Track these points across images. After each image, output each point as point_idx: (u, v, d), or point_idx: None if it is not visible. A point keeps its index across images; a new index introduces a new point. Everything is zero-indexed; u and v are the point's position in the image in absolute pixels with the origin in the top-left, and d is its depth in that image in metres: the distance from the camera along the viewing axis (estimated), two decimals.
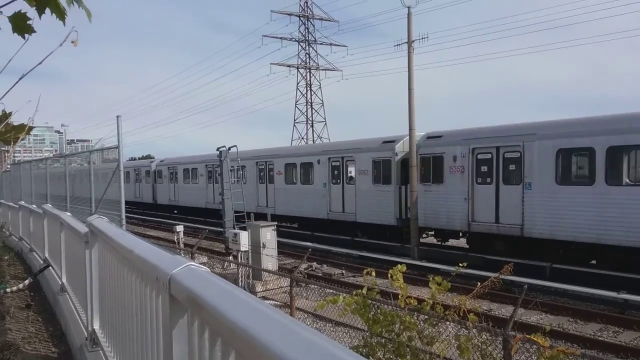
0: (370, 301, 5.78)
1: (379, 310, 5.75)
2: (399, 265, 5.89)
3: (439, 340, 5.44)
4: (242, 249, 14.72)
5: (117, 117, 11.23)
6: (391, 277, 5.68)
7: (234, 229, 17.56)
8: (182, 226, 20.48)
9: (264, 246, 14.91)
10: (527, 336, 5.21)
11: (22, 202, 13.79)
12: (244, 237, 14.87)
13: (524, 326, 9.65)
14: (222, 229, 20.29)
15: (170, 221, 30.14)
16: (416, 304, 5.57)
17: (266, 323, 1.48)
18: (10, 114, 1.86)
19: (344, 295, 6.16)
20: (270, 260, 14.73)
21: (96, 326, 4.59)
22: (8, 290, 8.60)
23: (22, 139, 1.87)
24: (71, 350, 5.56)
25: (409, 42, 19.35)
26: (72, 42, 1.87)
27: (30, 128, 1.86)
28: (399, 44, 21.11)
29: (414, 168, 18.37)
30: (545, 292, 13.55)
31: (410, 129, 18.74)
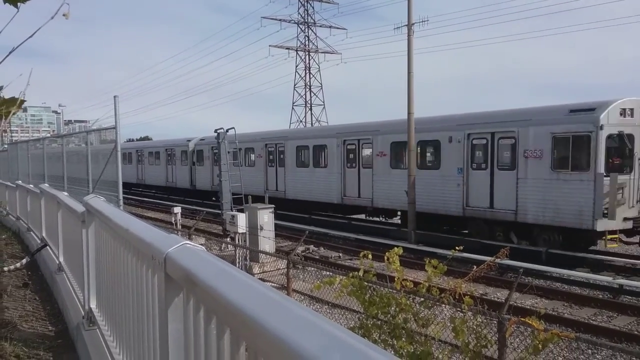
0: (366, 283, 5.80)
1: (375, 293, 5.77)
2: (395, 248, 5.90)
3: (434, 322, 5.48)
4: (240, 230, 14.74)
5: (115, 97, 11.15)
6: (387, 259, 5.69)
7: (232, 211, 17.57)
8: (179, 207, 20.50)
9: (262, 228, 14.94)
10: (522, 319, 5.24)
11: (19, 182, 13.75)
12: (242, 219, 14.89)
13: (518, 310, 9.72)
14: (219, 211, 20.30)
15: (167, 202, 30.22)
16: (412, 286, 5.59)
17: (262, 302, 1.47)
18: (1, 87, 1.83)
19: (341, 277, 6.18)
20: (267, 242, 14.77)
21: (93, 305, 4.60)
22: (5, 269, 8.61)
23: (14, 113, 1.84)
24: (68, 328, 5.58)
25: (409, 25, 19.15)
26: (64, 14, 1.84)
27: (22, 101, 1.83)
28: (398, 27, 21.00)
29: (413, 152, 18.33)
30: (540, 277, 13.63)
31: (409, 112, 18.63)
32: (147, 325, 2.77)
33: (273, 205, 15.96)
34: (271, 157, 25.68)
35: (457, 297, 5.49)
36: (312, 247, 17.65)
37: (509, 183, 15.58)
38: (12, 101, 1.78)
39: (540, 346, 4.63)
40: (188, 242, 2.31)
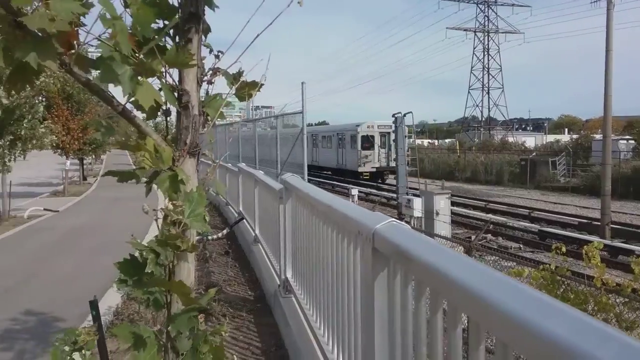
0: (559, 277, 5.44)
1: (568, 288, 5.38)
2: (595, 242, 5.43)
3: None
4: (416, 214, 14.74)
5: (302, 83, 11.77)
6: (586, 254, 5.25)
7: (407, 195, 17.63)
8: (356, 190, 21.13)
9: (437, 213, 14.75)
10: None
11: (218, 161, 15.28)
12: (417, 203, 14.86)
13: None
14: (394, 195, 20.50)
15: (342, 184, 31.40)
16: (614, 285, 5.09)
17: (485, 279, 1.46)
18: (242, 72, 2.05)
19: (529, 269, 5.88)
20: (443, 226, 14.55)
21: (289, 275, 4.97)
22: (210, 237, 9.72)
23: (254, 96, 2.06)
24: (265, 295, 6.14)
25: None
26: (298, 2, 1.99)
27: (261, 85, 2.04)
28: (596, 1, 18.98)
29: (609, 138, 16.58)
30: None
31: (606, 94, 16.81)
32: (347, 296, 2.92)
33: (450, 191, 15.66)
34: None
35: None
36: (489, 236, 16.96)
37: (348, 153, 35.16)
38: (254, 84, 2.00)
39: None
40: (394, 219, 2.38)
